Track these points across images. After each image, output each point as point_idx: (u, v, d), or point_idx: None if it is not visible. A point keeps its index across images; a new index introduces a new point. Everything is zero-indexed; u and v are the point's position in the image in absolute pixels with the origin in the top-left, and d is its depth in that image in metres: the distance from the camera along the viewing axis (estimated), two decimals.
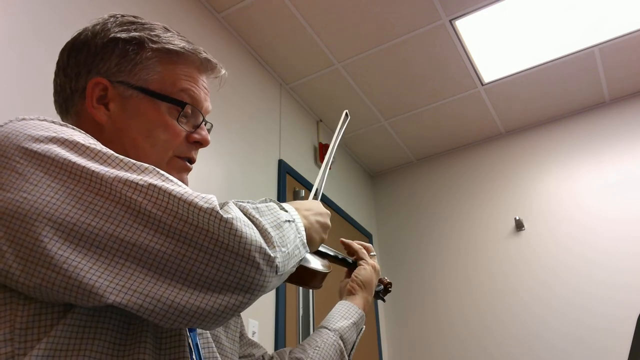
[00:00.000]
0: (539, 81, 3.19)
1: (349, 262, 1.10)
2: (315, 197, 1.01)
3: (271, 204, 0.69)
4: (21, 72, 1.60)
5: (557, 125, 3.49)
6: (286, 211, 0.70)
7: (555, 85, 3.23)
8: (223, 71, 0.86)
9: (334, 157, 1.11)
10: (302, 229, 0.72)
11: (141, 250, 0.55)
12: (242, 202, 0.65)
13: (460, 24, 2.76)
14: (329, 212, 0.86)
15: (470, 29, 2.80)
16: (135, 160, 0.64)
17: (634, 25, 2.80)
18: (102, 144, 0.66)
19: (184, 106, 0.77)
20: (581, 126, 3.40)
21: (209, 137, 0.83)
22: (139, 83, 0.76)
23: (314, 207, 0.82)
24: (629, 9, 2.70)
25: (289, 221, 0.68)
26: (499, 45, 2.93)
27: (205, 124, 0.82)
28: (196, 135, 0.80)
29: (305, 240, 0.72)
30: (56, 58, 0.81)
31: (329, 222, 0.84)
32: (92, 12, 1.89)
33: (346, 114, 1.15)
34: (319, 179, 1.04)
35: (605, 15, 2.73)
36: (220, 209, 0.58)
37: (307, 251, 0.72)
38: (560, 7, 2.68)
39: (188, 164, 0.80)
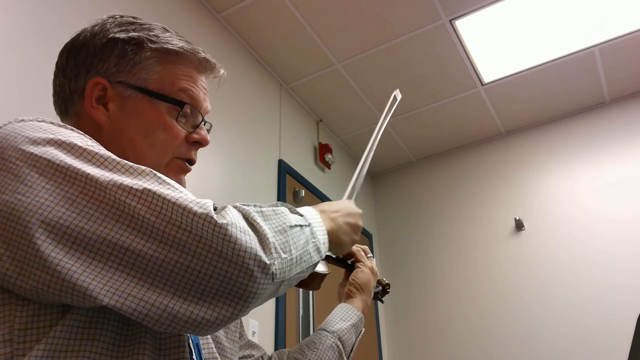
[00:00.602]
0: (539, 81, 3.19)
1: (348, 264, 1.09)
2: (350, 196, 0.98)
3: (281, 208, 0.67)
4: (21, 72, 1.60)
5: (557, 125, 3.49)
6: (301, 215, 0.69)
7: (555, 85, 3.23)
8: (222, 71, 0.85)
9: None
10: (320, 233, 0.70)
11: (134, 255, 0.54)
12: (248, 205, 0.63)
13: (460, 24, 2.76)
14: (360, 211, 0.85)
15: (470, 29, 2.80)
16: (134, 160, 0.63)
17: (634, 25, 2.80)
18: (101, 145, 0.65)
19: (183, 106, 0.77)
20: (581, 126, 3.39)
21: (209, 137, 0.82)
22: (137, 83, 0.76)
23: (343, 207, 0.81)
24: (629, 9, 2.70)
25: (300, 226, 0.66)
26: (499, 45, 2.93)
27: (204, 124, 0.82)
28: (195, 135, 0.79)
29: (321, 245, 0.70)
30: (56, 58, 0.81)
31: (360, 222, 0.83)
32: (92, 12, 1.89)
33: (395, 96, 1.08)
34: (356, 176, 1.01)
35: (605, 15, 2.73)
36: (217, 214, 0.57)
37: (321, 256, 0.70)
38: (560, 7, 2.68)
39: (187, 165, 0.80)
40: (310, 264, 0.68)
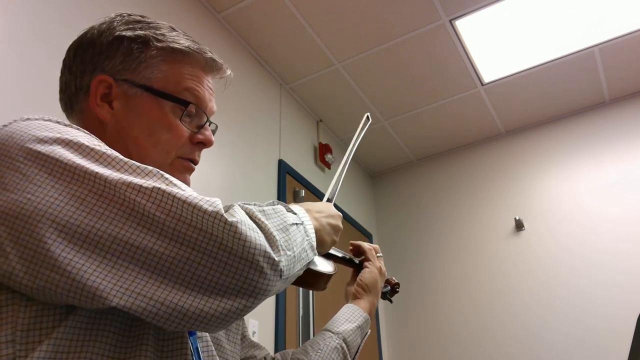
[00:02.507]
0: (539, 81, 3.19)
1: (355, 263, 1.08)
2: (329, 201, 1.00)
3: (278, 206, 0.68)
4: (21, 72, 1.60)
5: (557, 125, 3.49)
6: (294, 214, 0.70)
7: (555, 85, 3.23)
8: (228, 71, 0.85)
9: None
10: (311, 231, 0.71)
11: (145, 253, 0.55)
12: (249, 204, 0.64)
13: (460, 24, 2.76)
14: (340, 214, 0.85)
15: (470, 29, 2.80)
16: (137, 159, 0.63)
17: (634, 25, 2.80)
18: (105, 143, 0.65)
19: (188, 105, 0.77)
20: (581, 126, 3.40)
21: (213, 138, 0.82)
22: (142, 81, 0.75)
23: (325, 209, 0.81)
24: (629, 9, 2.70)
25: (296, 224, 0.67)
26: (499, 45, 2.93)
27: (209, 125, 0.81)
28: (200, 136, 0.79)
29: (314, 243, 0.71)
30: (56, 58, 0.81)
31: (340, 224, 0.83)
32: (92, 12, 1.89)
33: (367, 117, 1.12)
34: (334, 183, 1.02)
35: (605, 15, 2.73)
36: (225, 212, 0.57)
37: (315, 254, 0.71)
38: (560, 7, 2.68)
39: (191, 165, 0.79)
40: (307, 261, 0.69)
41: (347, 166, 1.06)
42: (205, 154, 0.84)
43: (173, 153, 0.76)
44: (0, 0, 1.62)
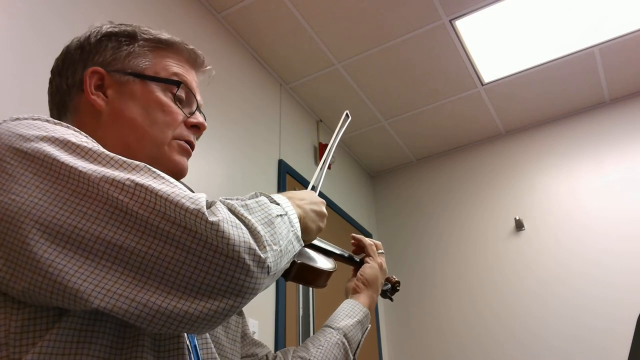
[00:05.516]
0: (539, 81, 3.19)
1: (355, 260, 1.08)
2: (314, 189, 1.00)
3: (261, 198, 0.67)
4: (21, 72, 1.60)
5: (557, 125, 3.49)
6: (278, 204, 0.68)
7: (555, 85, 3.23)
8: (210, 67, 0.88)
9: (333, 156, 1.10)
10: (295, 221, 0.70)
11: (127, 253, 0.53)
12: (231, 199, 0.63)
13: (460, 24, 2.76)
14: (323, 200, 0.85)
15: (470, 29, 2.80)
16: (135, 143, 0.65)
17: (634, 25, 2.80)
18: (102, 130, 0.68)
19: (179, 85, 0.79)
20: (581, 126, 3.39)
21: (206, 123, 0.84)
22: (133, 69, 0.78)
23: (307, 196, 0.81)
24: (629, 9, 2.70)
25: (280, 215, 0.66)
26: (499, 45, 2.93)
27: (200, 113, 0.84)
28: (193, 120, 0.81)
29: (299, 234, 0.70)
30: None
31: (324, 210, 0.83)
32: (92, 12, 1.89)
33: (347, 114, 1.14)
34: (316, 176, 1.03)
35: (605, 15, 2.73)
36: (208, 208, 0.56)
37: (301, 245, 0.71)
38: (560, 7, 2.68)
39: (188, 147, 0.81)
40: (294, 253, 0.68)
41: (329, 159, 1.07)
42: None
43: (170, 133, 0.78)
44: (1, 0, 1.63)
